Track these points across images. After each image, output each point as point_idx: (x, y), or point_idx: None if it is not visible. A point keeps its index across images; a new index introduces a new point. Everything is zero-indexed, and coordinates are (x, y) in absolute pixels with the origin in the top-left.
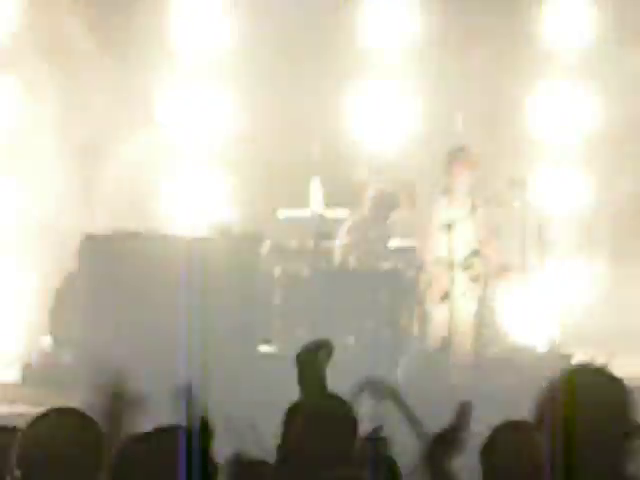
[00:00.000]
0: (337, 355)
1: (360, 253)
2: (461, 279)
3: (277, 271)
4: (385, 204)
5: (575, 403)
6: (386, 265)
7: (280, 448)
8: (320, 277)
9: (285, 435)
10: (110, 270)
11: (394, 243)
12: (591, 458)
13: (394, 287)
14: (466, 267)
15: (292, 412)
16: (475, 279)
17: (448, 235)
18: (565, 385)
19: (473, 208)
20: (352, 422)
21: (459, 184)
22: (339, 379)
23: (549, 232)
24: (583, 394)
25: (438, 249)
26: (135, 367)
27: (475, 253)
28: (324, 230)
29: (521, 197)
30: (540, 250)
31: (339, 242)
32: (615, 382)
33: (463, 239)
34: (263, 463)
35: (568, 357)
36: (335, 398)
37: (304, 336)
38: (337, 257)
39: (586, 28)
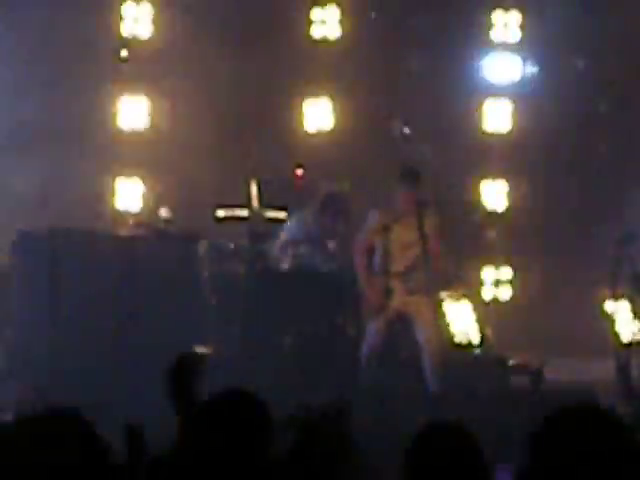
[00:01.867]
0: (274, 356)
1: (298, 254)
2: (400, 290)
3: (214, 271)
4: (334, 206)
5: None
6: (323, 267)
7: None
8: (256, 277)
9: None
10: (44, 269)
11: (332, 245)
12: None
13: (331, 288)
14: (404, 280)
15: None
16: (413, 292)
17: (385, 248)
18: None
19: (420, 223)
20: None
21: (404, 206)
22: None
23: (485, 235)
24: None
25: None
26: (72, 369)
27: (414, 267)
28: (261, 230)
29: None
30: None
31: (277, 242)
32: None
33: (410, 252)
34: None
35: (503, 359)
36: None
37: (239, 336)
38: (274, 258)
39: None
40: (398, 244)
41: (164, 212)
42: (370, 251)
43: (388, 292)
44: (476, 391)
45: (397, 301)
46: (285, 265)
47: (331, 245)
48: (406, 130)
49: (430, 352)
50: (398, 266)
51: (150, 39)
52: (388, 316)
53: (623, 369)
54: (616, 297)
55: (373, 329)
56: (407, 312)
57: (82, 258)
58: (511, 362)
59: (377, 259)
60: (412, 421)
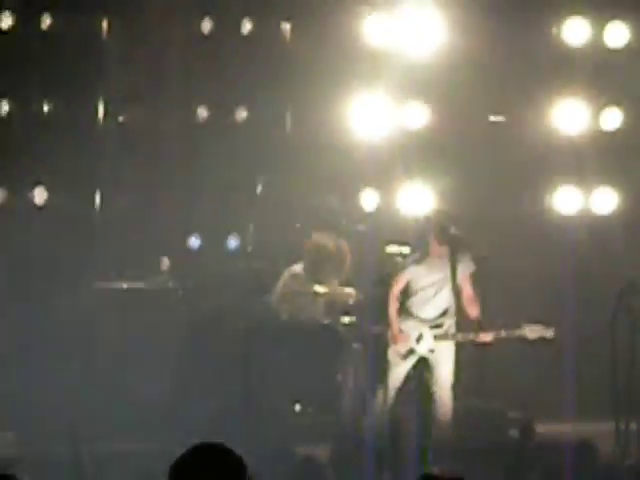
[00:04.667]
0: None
1: (294, 305)
2: (429, 337)
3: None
4: (321, 257)
5: None
6: (320, 319)
7: None
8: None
9: None
10: None
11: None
12: None
13: (328, 341)
14: (434, 326)
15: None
16: (443, 338)
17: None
18: None
19: (452, 269)
20: None
21: (434, 254)
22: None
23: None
24: None
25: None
26: None
27: (445, 313)
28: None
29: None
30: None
31: (275, 294)
32: None
33: (440, 298)
34: None
35: (502, 412)
36: None
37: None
38: (272, 309)
39: None
40: (430, 290)
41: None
42: (402, 296)
43: (419, 339)
44: (473, 442)
45: (423, 348)
46: (285, 316)
47: (324, 294)
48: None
49: (439, 406)
50: (428, 312)
51: None
52: (413, 363)
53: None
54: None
55: (397, 375)
56: (430, 359)
57: None
58: (510, 415)
59: (410, 304)
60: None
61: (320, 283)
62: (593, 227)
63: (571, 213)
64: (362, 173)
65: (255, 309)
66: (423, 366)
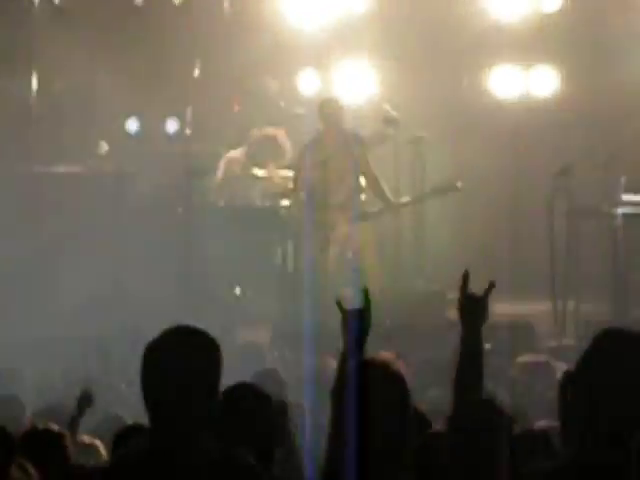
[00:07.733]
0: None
1: (234, 190)
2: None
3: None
4: (262, 142)
5: None
6: (259, 202)
7: None
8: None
9: None
10: None
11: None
12: None
13: (267, 224)
14: (345, 210)
15: None
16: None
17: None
18: None
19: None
20: None
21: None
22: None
23: None
24: None
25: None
26: None
27: (350, 197)
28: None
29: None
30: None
31: (214, 180)
32: None
33: (343, 186)
34: None
35: (441, 293)
36: None
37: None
38: (212, 193)
39: None
40: (334, 176)
41: None
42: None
43: (329, 226)
44: (413, 324)
45: (340, 233)
46: (224, 201)
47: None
48: (393, 113)
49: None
50: (337, 197)
51: None
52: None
53: None
54: None
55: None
56: (351, 246)
57: None
58: (449, 296)
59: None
60: None
61: (259, 167)
62: (533, 108)
63: (510, 93)
64: (301, 55)
65: (194, 194)
66: (344, 250)
